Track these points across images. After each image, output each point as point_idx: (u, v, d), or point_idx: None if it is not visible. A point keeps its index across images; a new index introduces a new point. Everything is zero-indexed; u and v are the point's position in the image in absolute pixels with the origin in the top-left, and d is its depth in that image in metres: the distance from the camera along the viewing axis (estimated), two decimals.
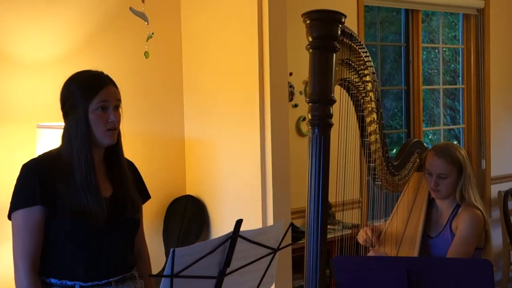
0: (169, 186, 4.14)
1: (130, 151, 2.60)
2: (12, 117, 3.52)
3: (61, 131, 3.18)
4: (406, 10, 5.80)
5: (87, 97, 2.30)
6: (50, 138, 3.22)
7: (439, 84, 6.23)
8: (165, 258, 4.00)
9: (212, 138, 4.09)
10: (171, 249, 1.82)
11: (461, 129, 6.32)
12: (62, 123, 3.23)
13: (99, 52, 3.81)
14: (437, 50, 6.25)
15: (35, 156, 3.13)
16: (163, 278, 1.85)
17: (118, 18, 3.86)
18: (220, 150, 4.03)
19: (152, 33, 3.33)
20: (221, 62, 3.98)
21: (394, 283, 2.23)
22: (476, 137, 6.22)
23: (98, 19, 3.81)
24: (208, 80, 4.08)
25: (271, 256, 2.13)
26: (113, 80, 2.39)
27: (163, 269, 3.83)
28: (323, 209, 2.70)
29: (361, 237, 3.12)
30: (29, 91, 3.57)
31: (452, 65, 6.45)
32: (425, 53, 6.03)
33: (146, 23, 3.27)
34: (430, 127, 6.19)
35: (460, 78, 6.35)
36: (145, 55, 3.37)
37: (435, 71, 6.30)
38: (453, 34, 6.48)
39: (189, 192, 4.23)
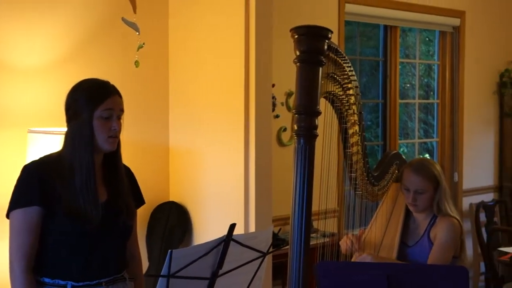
0: (153, 192, 4.18)
1: None
2: (2, 122, 3.56)
3: (52, 136, 3.27)
4: (385, 26, 5.94)
5: (94, 103, 2.38)
6: (41, 143, 3.25)
7: (413, 98, 6.39)
8: (148, 262, 4.07)
9: (196, 146, 4.16)
10: (169, 251, 1.91)
11: (434, 143, 6.47)
12: (53, 129, 3.31)
13: (90, 59, 3.86)
14: (410, 65, 6.40)
15: (26, 161, 3.20)
16: (160, 278, 1.94)
17: (109, 27, 3.93)
18: (204, 158, 4.11)
19: (143, 43, 3.41)
20: (207, 73, 4.06)
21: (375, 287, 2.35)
22: (449, 151, 6.36)
23: (90, 27, 3.87)
24: (194, 90, 4.16)
25: (260, 259, 2.23)
26: (118, 91, 2.48)
27: (148, 271, 3.93)
28: (307, 217, 2.80)
29: (344, 244, 3.20)
30: (20, 96, 3.61)
31: (425, 80, 6.61)
32: (400, 67, 6.18)
33: (137, 33, 3.35)
34: (403, 139, 6.34)
35: (434, 93, 6.51)
36: (135, 64, 3.44)
37: (409, 85, 6.45)
38: (427, 50, 6.65)
39: (172, 198, 4.30)
